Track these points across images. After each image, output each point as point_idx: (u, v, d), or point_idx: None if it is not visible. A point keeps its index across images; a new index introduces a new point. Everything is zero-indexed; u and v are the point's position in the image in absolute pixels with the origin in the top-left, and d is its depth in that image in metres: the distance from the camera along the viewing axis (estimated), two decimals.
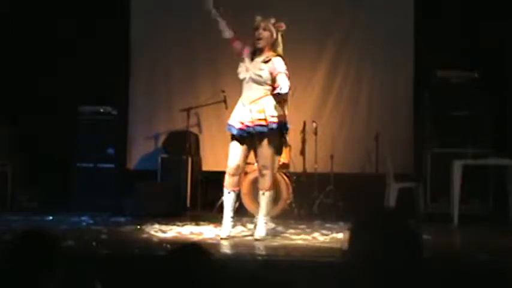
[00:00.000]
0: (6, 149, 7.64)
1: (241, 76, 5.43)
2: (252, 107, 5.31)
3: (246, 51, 5.46)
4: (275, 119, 5.29)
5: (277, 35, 5.37)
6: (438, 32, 7.61)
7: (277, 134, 5.37)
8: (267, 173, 5.38)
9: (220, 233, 5.49)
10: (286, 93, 5.19)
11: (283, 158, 7.03)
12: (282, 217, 6.74)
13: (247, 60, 5.44)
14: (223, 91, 7.19)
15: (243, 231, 5.89)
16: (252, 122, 5.28)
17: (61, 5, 7.92)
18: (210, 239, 5.48)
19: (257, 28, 5.34)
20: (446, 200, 6.87)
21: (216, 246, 4.95)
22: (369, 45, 8.01)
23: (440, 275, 4.22)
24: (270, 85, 5.34)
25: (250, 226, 5.87)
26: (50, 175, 7.55)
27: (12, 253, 2.44)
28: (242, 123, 5.33)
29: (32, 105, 7.79)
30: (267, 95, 5.35)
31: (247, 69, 5.39)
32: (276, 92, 5.18)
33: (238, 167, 5.40)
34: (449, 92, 7.34)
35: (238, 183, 5.53)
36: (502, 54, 7.45)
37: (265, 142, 5.31)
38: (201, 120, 7.91)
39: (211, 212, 7.05)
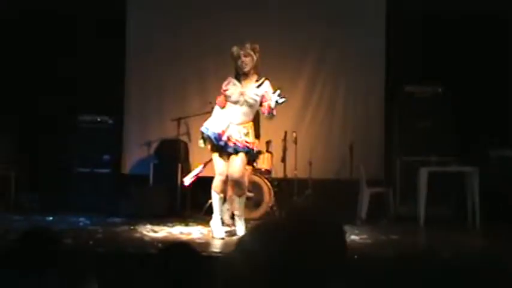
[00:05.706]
0: (10, 154, 7.67)
1: (233, 98, 5.48)
2: (240, 129, 5.48)
3: (227, 84, 5.57)
4: (255, 145, 5.72)
5: (256, 56, 5.51)
6: (406, 51, 7.76)
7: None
8: (243, 180, 5.67)
9: (214, 234, 5.61)
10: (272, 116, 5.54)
11: (266, 165, 7.17)
12: (265, 219, 6.82)
13: (237, 83, 5.53)
14: (210, 102, 7.24)
15: (227, 231, 5.97)
16: (241, 142, 5.46)
17: (62, 35, 7.99)
18: (199, 238, 5.59)
19: (238, 57, 5.47)
20: (413, 203, 7.00)
21: (203, 245, 5.03)
22: (343, 64, 8.13)
23: (405, 273, 4.32)
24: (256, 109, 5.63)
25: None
26: (51, 179, 7.58)
27: (18, 249, 2.46)
28: (229, 139, 5.46)
29: (34, 115, 7.83)
30: (251, 121, 5.60)
31: (242, 93, 5.47)
32: (267, 115, 5.47)
33: (224, 172, 5.55)
34: (416, 106, 7.52)
35: (226, 187, 5.67)
36: (462, 70, 7.65)
37: (242, 157, 5.52)
38: (190, 130, 7.93)
39: (199, 213, 7.10)
